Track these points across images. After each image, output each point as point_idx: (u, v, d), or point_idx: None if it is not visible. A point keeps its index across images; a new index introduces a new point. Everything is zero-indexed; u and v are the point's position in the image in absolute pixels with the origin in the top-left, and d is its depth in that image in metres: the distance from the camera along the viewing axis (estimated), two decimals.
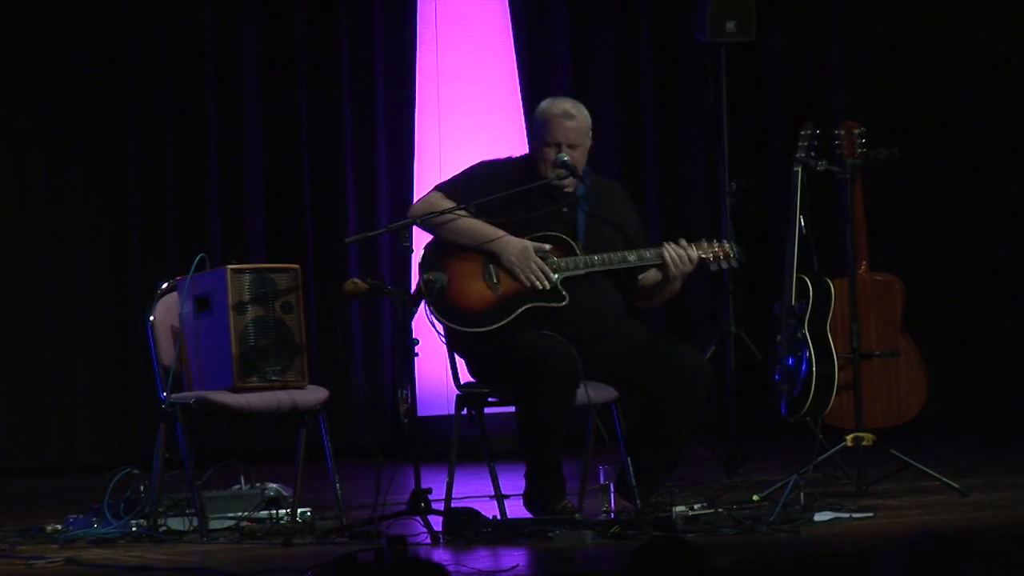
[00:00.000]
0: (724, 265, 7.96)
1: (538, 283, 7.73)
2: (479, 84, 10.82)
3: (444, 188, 7.95)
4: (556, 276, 7.77)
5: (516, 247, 7.77)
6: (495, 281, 7.84)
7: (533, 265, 7.74)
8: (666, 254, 7.77)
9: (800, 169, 8.86)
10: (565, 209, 7.90)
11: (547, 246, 7.79)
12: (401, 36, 10.78)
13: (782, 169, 9.09)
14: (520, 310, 7.79)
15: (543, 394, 7.70)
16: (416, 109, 10.84)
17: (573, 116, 7.94)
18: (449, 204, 7.81)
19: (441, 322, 7.86)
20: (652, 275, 7.90)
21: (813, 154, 8.90)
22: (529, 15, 10.79)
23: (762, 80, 10.41)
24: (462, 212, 7.78)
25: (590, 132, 7.94)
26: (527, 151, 8.03)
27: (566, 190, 7.88)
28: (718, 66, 9.23)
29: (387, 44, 10.76)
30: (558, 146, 7.83)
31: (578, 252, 7.82)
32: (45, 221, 10.41)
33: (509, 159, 8.11)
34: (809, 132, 8.93)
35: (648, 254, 7.82)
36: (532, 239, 7.83)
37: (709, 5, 9.17)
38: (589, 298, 7.88)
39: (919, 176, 10.14)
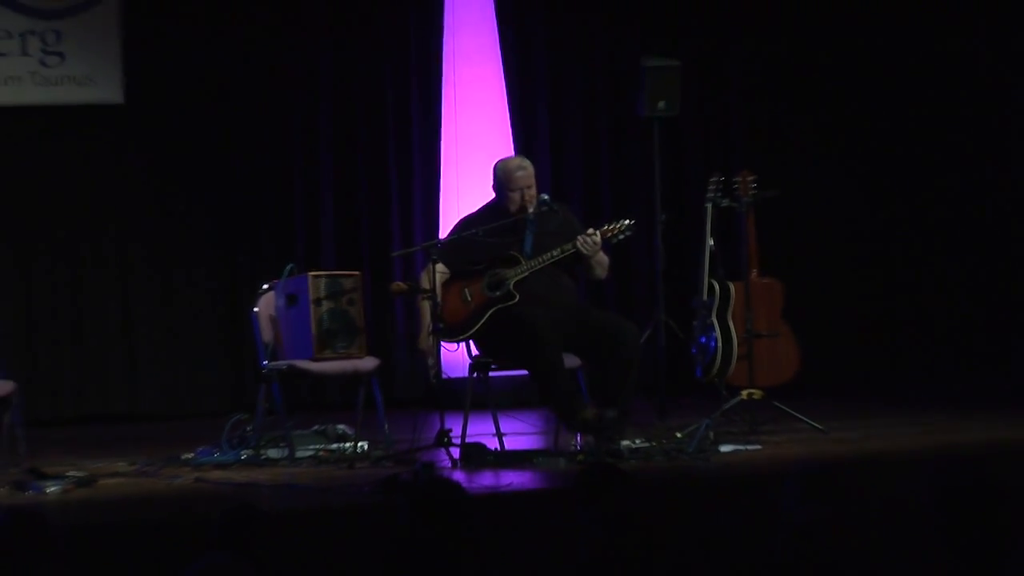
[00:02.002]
0: (621, 236, 8.04)
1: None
2: (486, 140, 10.74)
3: (444, 250, 8.04)
4: (508, 282, 7.92)
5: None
6: (468, 299, 8.00)
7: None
8: (578, 242, 7.87)
9: (710, 205, 8.91)
10: (524, 235, 8.04)
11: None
12: (430, 104, 10.72)
13: (698, 205, 9.10)
14: (488, 314, 7.94)
15: (542, 344, 7.78)
16: (441, 158, 10.78)
17: (524, 168, 8.13)
18: (442, 269, 7.95)
19: (444, 341, 8.03)
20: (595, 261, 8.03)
21: (719, 194, 8.96)
22: (521, 93, 10.74)
23: (683, 142, 10.35)
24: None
25: (534, 175, 8.13)
26: (495, 195, 8.15)
27: (528, 215, 8.03)
28: (653, 132, 9.23)
29: (420, 112, 10.72)
30: (520, 191, 8.01)
31: (522, 261, 7.93)
32: (180, 243, 10.41)
33: (483, 207, 8.27)
34: (716, 179, 8.98)
35: (568, 247, 7.91)
36: (491, 260, 7.99)
37: (646, 89, 9.14)
38: (547, 289, 7.96)
39: (796, 207, 10.09)
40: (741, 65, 10.85)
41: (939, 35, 10.69)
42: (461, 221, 8.31)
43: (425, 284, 7.95)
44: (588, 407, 7.80)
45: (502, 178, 8.12)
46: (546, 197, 8.25)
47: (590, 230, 7.95)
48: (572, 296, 8.13)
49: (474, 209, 8.42)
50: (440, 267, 7.93)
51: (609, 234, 8.02)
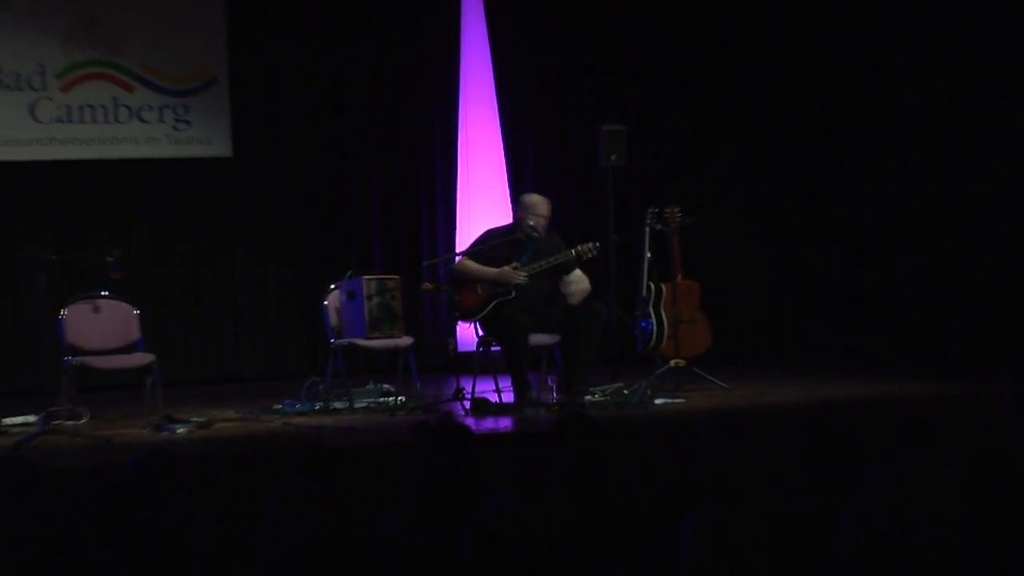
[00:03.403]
0: (590, 255, 8.00)
1: (514, 279, 7.84)
2: (489, 180, 10.70)
3: (468, 254, 8.05)
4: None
5: (502, 272, 7.88)
6: (479, 292, 7.99)
7: (508, 275, 7.84)
8: (574, 250, 7.95)
9: (647, 228, 8.95)
10: (525, 249, 8.03)
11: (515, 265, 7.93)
12: (449, 154, 10.64)
13: (639, 228, 9.10)
14: (491, 304, 7.94)
15: (516, 343, 7.83)
16: (457, 192, 10.69)
17: (547, 203, 8.10)
18: (471, 263, 7.97)
19: (469, 322, 8.10)
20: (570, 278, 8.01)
21: (654, 221, 8.98)
22: (514, 147, 10.68)
23: (629, 184, 10.23)
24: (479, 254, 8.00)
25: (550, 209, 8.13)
26: (512, 219, 8.12)
27: (532, 235, 7.98)
28: (607, 177, 9.22)
29: (442, 159, 10.63)
30: (540, 217, 8.00)
31: (516, 267, 7.94)
32: (272, 252, 10.36)
33: (507, 226, 8.25)
34: (652, 210, 9.00)
35: (551, 260, 7.94)
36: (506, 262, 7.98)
37: (602, 145, 9.14)
38: (536, 290, 7.97)
39: (709, 230, 9.95)
40: (669, 129, 10.86)
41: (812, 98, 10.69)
42: (487, 232, 8.29)
43: (465, 264, 7.97)
44: (531, 395, 7.83)
45: (528, 205, 8.06)
46: (532, 223, 8.25)
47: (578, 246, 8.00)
48: (552, 296, 8.09)
49: (497, 224, 8.46)
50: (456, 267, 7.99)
51: (581, 253, 7.99)
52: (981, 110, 9.84)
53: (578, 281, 8.00)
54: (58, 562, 2.95)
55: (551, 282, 8.04)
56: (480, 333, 8.12)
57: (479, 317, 7.99)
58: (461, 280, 8.02)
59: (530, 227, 7.99)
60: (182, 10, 10.02)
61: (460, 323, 8.18)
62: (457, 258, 8.22)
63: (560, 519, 3.43)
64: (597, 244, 8.07)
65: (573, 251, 7.95)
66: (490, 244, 8.07)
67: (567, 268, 7.99)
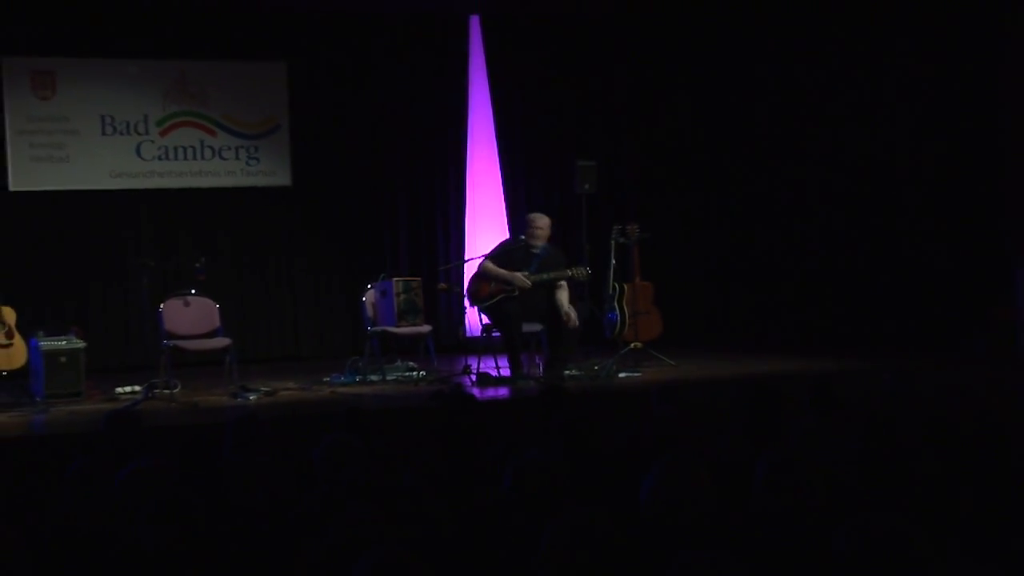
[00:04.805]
0: (582, 278, 7.89)
1: (523, 284, 7.78)
2: (490, 203, 10.64)
3: (492, 258, 7.95)
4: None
5: (515, 276, 7.82)
6: (492, 287, 7.92)
7: (521, 280, 7.79)
8: (569, 272, 7.83)
9: (613, 241, 8.95)
10: (532, 261, 7.96)
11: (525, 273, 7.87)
12: (460, 182, 10.57)
13: (606, 241, 9.08)
14: (498, 297, 7.87)
15: (511, 331, 7.81)
16: (466, 211, 10.60)
17: (541, 218, 7.98)
18: (493, 267, 7.86)
19: (475, 306, 7.99)
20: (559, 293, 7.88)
21: (618, 235, 8.97)
22: (511, 178, 10.63)
23: (599, 206, 10.05)
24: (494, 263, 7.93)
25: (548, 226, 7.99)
26: (522, 235, 8.05)
27: (533, 251, 7.91)
28: (582, 201, 9.17)
29: (454, 185, 10.56)
30: (537, 230, 7.88)
31: (526, 275, 7.86)
32: (323, 259, 10.27)
33: (518, 238, 8.14)
34: (616, 227, 8.99)
35: (552, 274, 7.83)
36: (511, 270, 7.87)
37: (577, 176, 9.12)
38: (535, 294, 7.90)
39: (662, 243, 9.86)
40: (630, 164, 10.85)
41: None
42: (502, 242, 8.27)
43: (489, 266, 7.85)
44: (523, 371, 7.75)
45: (528, 222, 7.99)
46: (524, 236, 8.21)
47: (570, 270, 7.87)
48: (548, 295, 7.99)
49: (509, 237, 8.49)
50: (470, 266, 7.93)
51: (576, 274, 7.86)
52: (867, 118, 9.77)
53: (566, 304, 7.86)
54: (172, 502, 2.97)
55: (546, 289, 7.99)
56: (482, 318, 8.09)
57: (485, 305, 7.96)
58: (482, 275, 7.97)
59: (522, 239, 7.96)
60: (253, 73, 10.04)
61: (468, 305, 8.13)
62: (481, 259, 8.08)
63: (558, 471, 3.46)
64: (589, 270, 7.95)
65: (570, 271, 7.87)
66: (505, 249, 8.02)
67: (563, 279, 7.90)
